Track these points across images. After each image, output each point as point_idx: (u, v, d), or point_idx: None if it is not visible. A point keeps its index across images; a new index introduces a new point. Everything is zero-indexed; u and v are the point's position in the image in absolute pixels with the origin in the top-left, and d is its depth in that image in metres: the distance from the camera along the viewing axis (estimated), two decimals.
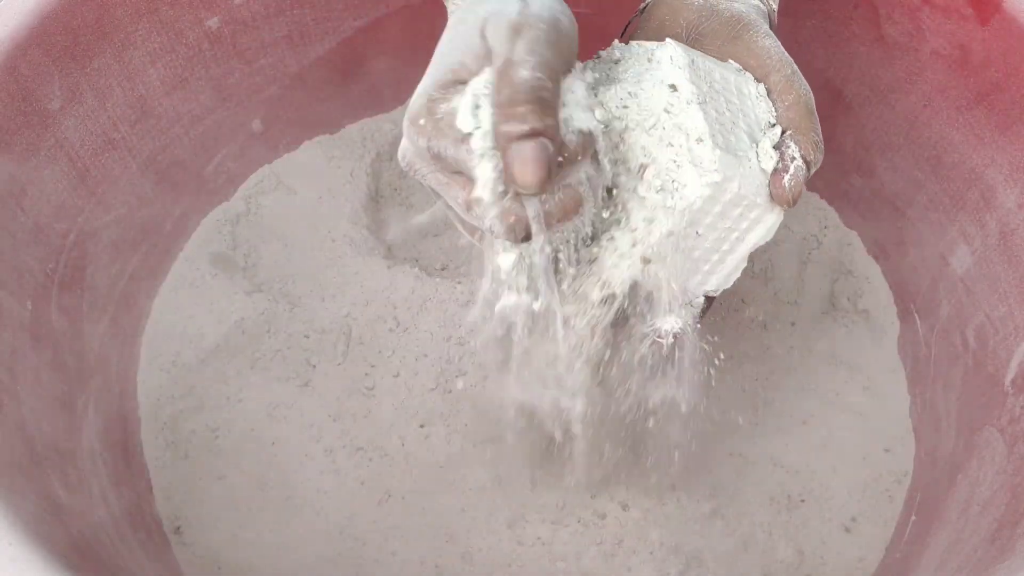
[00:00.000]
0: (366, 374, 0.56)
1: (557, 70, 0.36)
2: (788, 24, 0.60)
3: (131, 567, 0.45)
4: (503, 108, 0.34)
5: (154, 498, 0.53)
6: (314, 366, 0.57)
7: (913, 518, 0.53)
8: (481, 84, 0.36)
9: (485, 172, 0.35)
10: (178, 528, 0.52)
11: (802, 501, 0.54)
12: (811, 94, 0.42)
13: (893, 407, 0.57)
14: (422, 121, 0.36)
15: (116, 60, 0.52)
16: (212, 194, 0.62)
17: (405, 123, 0.37)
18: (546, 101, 0.34)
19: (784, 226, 0.64)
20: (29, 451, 0.43)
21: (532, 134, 0.33)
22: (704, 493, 0.53)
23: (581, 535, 0.52)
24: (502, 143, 0.34)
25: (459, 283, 0.58)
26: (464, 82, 0.36)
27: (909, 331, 0.59)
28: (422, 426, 0.55)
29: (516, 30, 0.36)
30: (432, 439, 0.54)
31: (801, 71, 0.60)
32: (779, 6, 0.46)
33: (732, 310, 0.60)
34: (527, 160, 0.33)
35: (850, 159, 0.62)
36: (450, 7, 0.43)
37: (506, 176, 0.34)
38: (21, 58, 0.47)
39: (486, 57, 0.36)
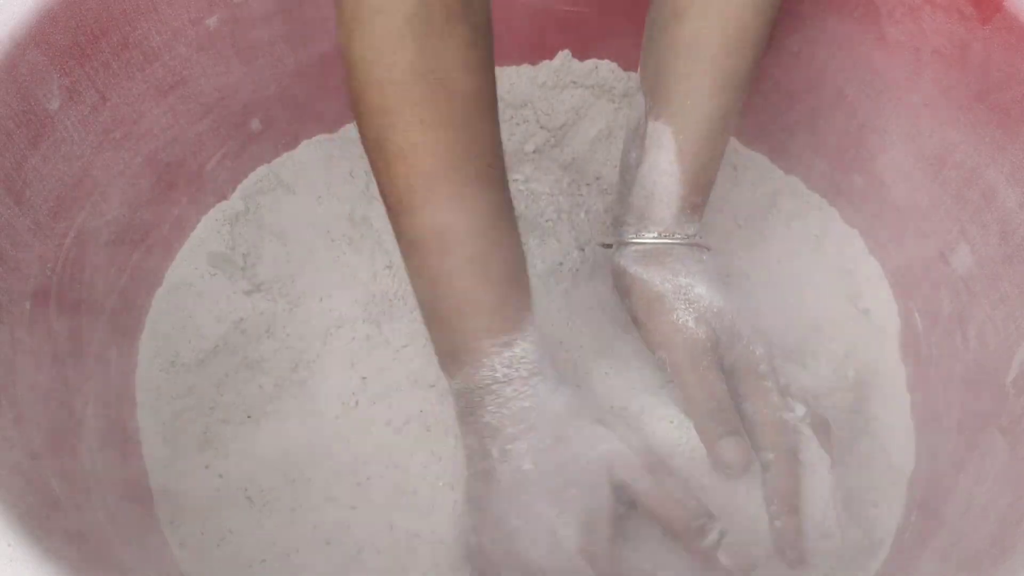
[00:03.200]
0: (365, 375, 0.56)
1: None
2: (789, 25, 0.60)
3: (130, 567, 0.45)
4: (689, 536, 0.42)
5: (153, 498, 0.52)
6: (313, 366, 0.57)
7: (913, 518, 0.53)
8: None
9: None
10: (177, 528, 0.52)
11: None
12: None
13: (893, 407, 0.57)
14: None
15: (116, 59, 0.52)
16: (211, 194, 0.62)
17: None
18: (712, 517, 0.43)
19: (784, 225, 0.65)
20: (28, 451, 0.43)
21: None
22: None
23: None
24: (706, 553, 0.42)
25: None
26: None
27: (909, 331, 0.59)
28: (426, 428, 0.55)
29: (651, 470, 0.42)
30: (431, 436, 0.54)
31: (801, 71, 0.61)
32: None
33: None
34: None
35: (850, 159, 0.62)
36: (486, 447, 0.44)
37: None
38: (21, 58, 0.47)
39: (615, 502, 0.42)
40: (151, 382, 0.56)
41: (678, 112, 0.48)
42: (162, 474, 0.53)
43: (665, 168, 0.49)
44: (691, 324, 0.46)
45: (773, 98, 0.64)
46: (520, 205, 0.61)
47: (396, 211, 0.43)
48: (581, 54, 0.70)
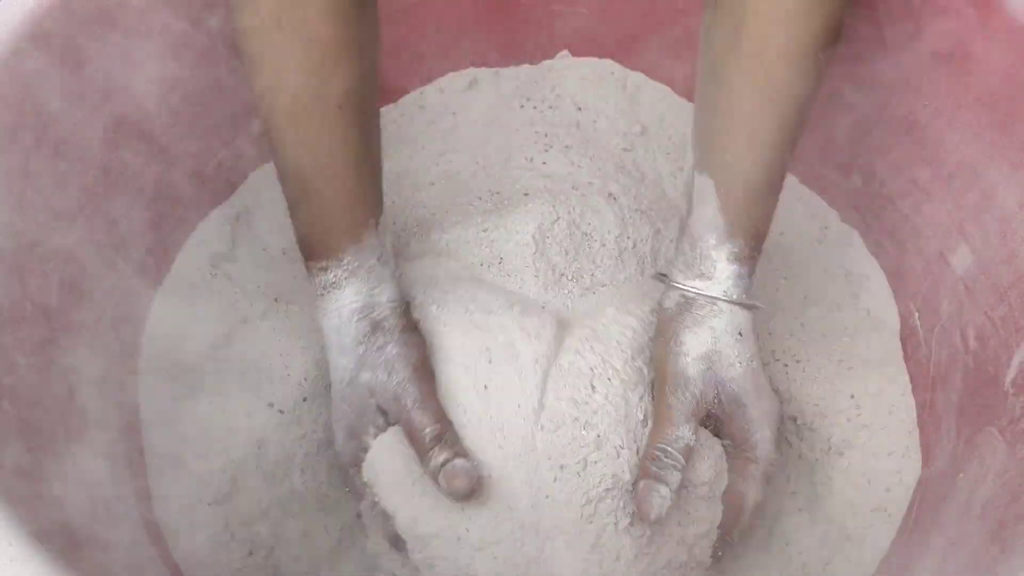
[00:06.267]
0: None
1: (438, 409, 0.48)
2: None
3: (131, 568, 0.45)
4: (423, 454, 0.47)
5: (153, 499, 0.52)
6: (313, 366, 0.57)
7: (913, 518, 0.53)
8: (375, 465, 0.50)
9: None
10: (178, 529, 0.52)
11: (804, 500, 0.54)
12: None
13: (893, 407, 0.57)
14: (350, 472, 0.51)
15: (116, 60, 0.52)
16: (212, 194, 0.62)
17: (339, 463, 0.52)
18: (446, 439, 0.47)
19: (784, 226, 0.65)
20: (29, 452, 0.43)
21: (451, 458, 0.46)
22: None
23: None
24: (433, 475, 0.46)
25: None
26: (367, 444, 0.50)
27: (909, 331, 0.59)
28: None
29: (397, 399, 0.48)
30: None
31: None
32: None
33: None
34: (455, 476, 0.46)
35: (850, 159, 0.62)
36: (321, 306, 0.52)
37: (448, 489, 0.46)
38: (21, 58, 0.47)
39: (381, 415, 0.50)
40: (152, 382, 0.56)
41: (719, 168, 0.49)
42: (162, 474, 0.53)
43: (710, 220, 0.49)
44: (706, 400, 0.49)
45: None
46: None
47: (270, 147, 0.50)
48: (581, 54, 0.70)
